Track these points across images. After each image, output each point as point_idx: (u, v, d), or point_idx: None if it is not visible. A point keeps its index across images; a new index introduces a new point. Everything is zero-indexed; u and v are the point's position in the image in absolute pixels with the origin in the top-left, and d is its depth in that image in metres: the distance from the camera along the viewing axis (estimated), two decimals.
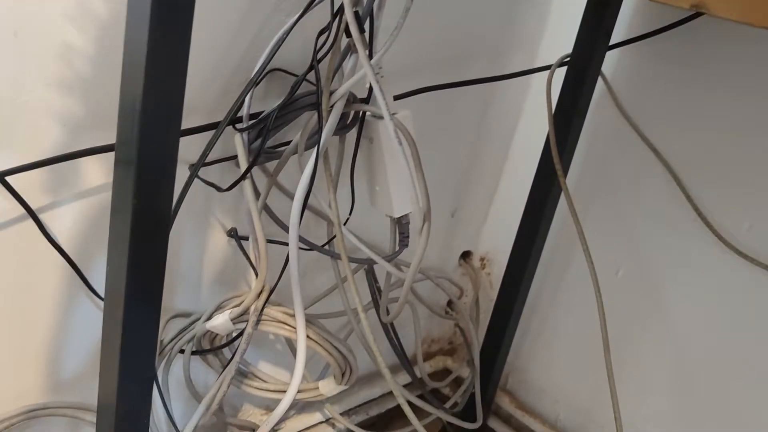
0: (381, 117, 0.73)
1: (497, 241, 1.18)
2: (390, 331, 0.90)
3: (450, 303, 1.18)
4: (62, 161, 0.64)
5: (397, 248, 0.83)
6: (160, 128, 0.54)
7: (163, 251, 0.59)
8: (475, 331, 1.11)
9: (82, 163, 0.68)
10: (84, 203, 0.70)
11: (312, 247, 0.82)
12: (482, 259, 1.21)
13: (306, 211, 0.89)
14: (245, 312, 0.72)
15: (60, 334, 0.76)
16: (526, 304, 1.08)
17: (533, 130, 1.05)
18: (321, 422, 1.05)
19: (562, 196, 0.95)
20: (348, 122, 0.78)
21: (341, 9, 0.66)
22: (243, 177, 0.68)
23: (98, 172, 0.70)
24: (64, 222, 0.70)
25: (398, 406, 1.05)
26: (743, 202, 0.90)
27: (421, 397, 0.95)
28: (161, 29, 0.50)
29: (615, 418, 0.86)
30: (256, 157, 0.68)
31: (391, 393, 1.10)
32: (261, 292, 0.71)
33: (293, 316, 0.72)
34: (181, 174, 0.70)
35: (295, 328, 0.72)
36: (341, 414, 1.05)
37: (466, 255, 1.20)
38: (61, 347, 0.77)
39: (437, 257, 1.15)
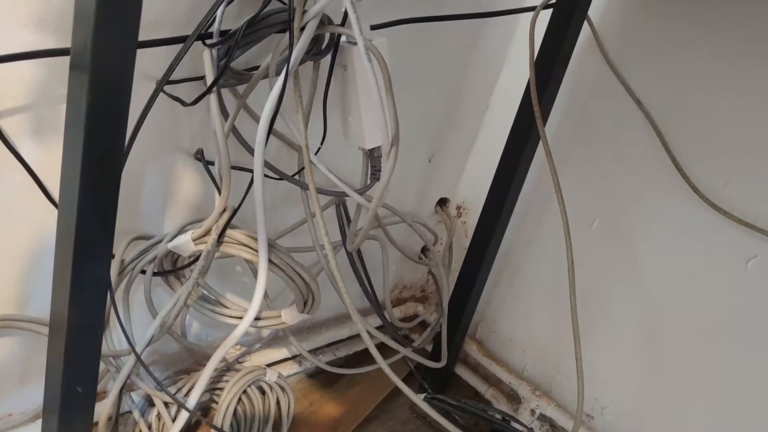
0: (355, 42, 0.71)
1: (474, 190, 1.17)
2: (358, 268, 0.89)
3: (424, 249, 1.17)
4: (19, 60, 0.61)
5: (369, 182, 0.82)
6: (115, 34, 0.52)
7: (118, 161, 0.58)
8: (446, 277, 1.10)
9: (45, 69, 0.66)
10: (48, 110, 0.68)
11: (281, 176, 0.81)
12: (459, 208, 1.20)
13: (278, 142, 0.88)
14: (207, 233, 0.71)
15: (26, 247, 0.75)
16: (500, 255, 1.08)
17: (517, 77, 1.03)
18: (288, 358, 1.05)
19: (540, 145, 0.93)
20: (323, 48, 0.77)
21: None
22: (209, 90, 0.66)
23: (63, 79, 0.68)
24: (25, 128, 0.68)
25: (366, 349, 1.05)
26: (721, 157, 0.89)
27: (394, 339, 0.94)
28: None
29: (577, 367, 0.86)
30: (223, 71, 0.66)
31: (359, 335, 1.09)
32: (224, 211, 0.70)
33: (257, 239, 0.71)
34: (149, 90, 0.69)
35: (257, 251, 0.70)
36: (309, 352, 1.04)
37: (443, 202, 1.19)
38: (29, 260, 0.75)
39: (413, 202, 1.14)
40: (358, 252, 1.05)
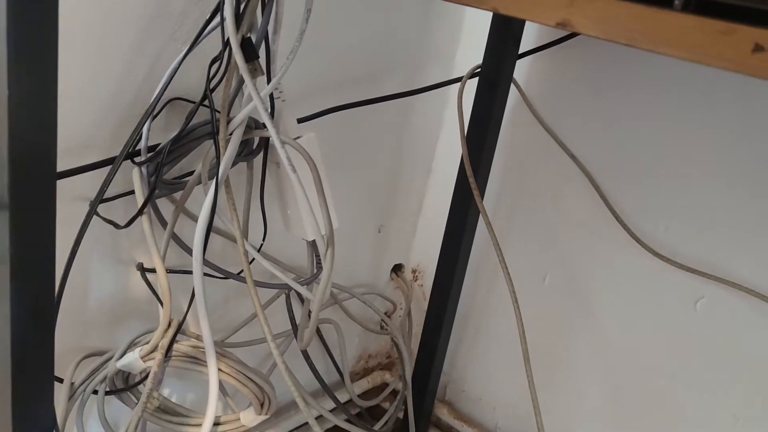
0: (284, 142, 0.72)
1: (428, 253, 1.17)
2: (309, 358, 0.89)
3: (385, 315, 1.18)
4: None
5: (315, 270, 0.82)
6: (32, 173, 0.53)
7: (50, 301, 0.57)
8: (407, 344, 1.10)
9: None
10: None
11: (226, 275, 0.81)
12: (414, 271, 1.21)
13: (222, 238, 0.88)
14: (155, 349, 0.70)
15: None
16: (460, 315, 1.09)
17: (454, 139, 1.05)
18: None
19: None
20: (254, 148, 0.77)
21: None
22: (139, 213, 0.67)
23: None
24: None
25: (336, 426, 1.05)
26: (659, 204, 0.91)
27: (348, 420, 0.94)
28: (22, 80, 0.49)
29: (536, 422, 0.87)
30: (151, 193, 0.67)
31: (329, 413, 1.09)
32: (168, 327, 0.69)
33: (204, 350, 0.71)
34: (84, 211, 0.69)
35: (206, 362, 0.70)
36: None
37: (398, 268, 1.20)
38: None
39: (368, 274, 1.15)
40: (318, 331, 1.05)
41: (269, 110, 0.73)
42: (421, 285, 1.20)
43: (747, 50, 0.40)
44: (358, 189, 1.04)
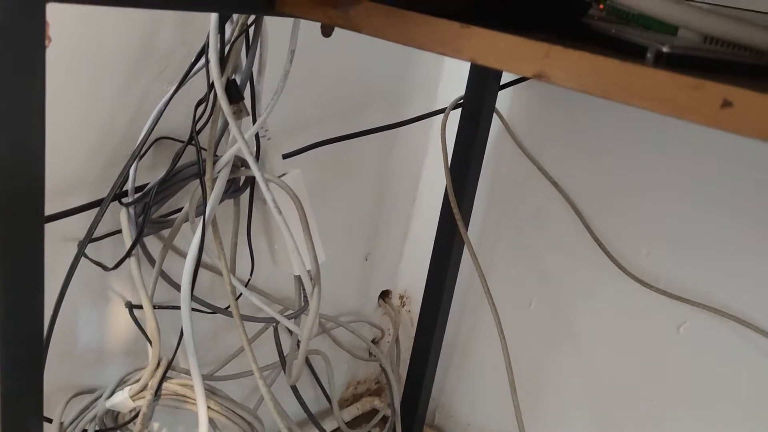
0: (269, 181, 0.73)
1: (415, 278, 1.18)
2: (297, 391, 0.89)
3: (374, 340, 1.19)
4: None
5: (303, 304, 0.83)
6: (20, 220, 0.53)
7: (38, 346, 0.57)
8: (395, 371, 1.11)
9: None
10: None
11: (214, 310, 0.82)
12: (401, 297, 1.21)
13: (210, 273, 0.89)
14: (144, 388, 0.71)
15: None
16: (447, 340, 1.09)
17: (438, 169, 1.07)
18: None
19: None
20: (240, 185, 0.78)
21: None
22: (128, 255, 0.67)
23: None
24: None
25: None
26: (640, 229, 0.93)
27: None
28: (9, 129, 0.50)
29: None
30: (139, 236, 0.67)
31: None
32: (157, 366, 0.70)
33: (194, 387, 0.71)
34: (72, 251, 0.70)
35: (195, 400, 0.71)
36: None
37: (385, 294, 1.21)
38: None
39: (355, 301, 1.15)
40: (306, 360, 1.06)
41: (254, 151, 0.74)
42: (409, 311, 1.21)
43: (716, 105, 0.41)
44: (345, 218, 1.05)
